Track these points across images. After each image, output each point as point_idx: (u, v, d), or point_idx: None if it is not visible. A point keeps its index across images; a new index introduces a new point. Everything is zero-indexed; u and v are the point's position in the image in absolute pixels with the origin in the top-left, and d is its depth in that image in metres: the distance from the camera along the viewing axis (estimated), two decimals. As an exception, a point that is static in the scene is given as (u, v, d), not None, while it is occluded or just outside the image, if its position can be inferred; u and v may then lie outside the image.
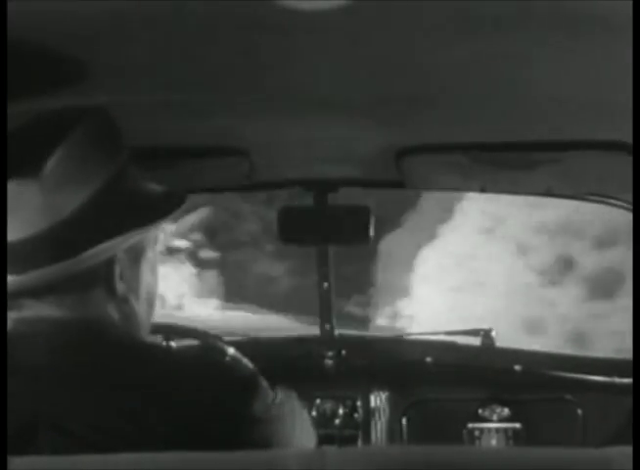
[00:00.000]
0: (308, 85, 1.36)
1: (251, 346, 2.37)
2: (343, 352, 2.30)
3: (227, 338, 2.24)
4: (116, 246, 1.18)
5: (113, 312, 1.22)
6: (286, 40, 1.14)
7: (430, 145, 1.76)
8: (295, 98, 1.44)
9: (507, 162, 1.79)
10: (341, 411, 2.25)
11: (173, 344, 1.98)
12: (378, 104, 1.47)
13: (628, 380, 2.19)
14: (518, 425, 2.23)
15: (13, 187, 1.14)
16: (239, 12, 1.03)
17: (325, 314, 2.36)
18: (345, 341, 2.36)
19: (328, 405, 2.25)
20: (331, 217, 2.24)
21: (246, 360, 1.83)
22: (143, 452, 0.91)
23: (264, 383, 1.21)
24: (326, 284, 2.36)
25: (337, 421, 2.25)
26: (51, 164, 1.15)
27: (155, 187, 1.27)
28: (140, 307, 1.26)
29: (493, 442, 2.24)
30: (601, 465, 0.84)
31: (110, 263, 1.19)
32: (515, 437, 2.23)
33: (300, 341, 2.42)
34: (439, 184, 2.04)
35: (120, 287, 1.21)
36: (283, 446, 1.18)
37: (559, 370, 2.30)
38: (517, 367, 2.27)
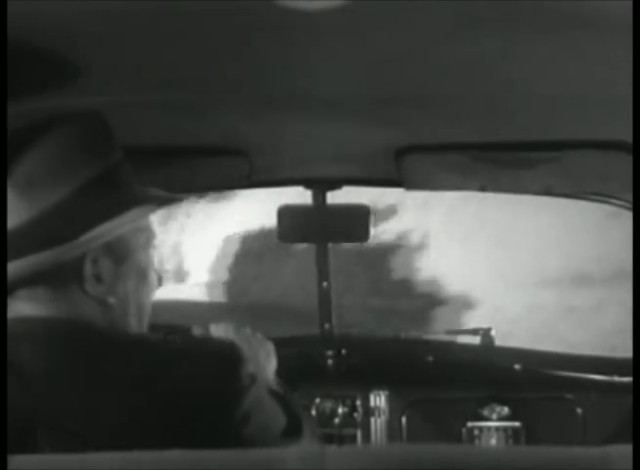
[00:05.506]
0: (308, 85, 1.36)
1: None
2: (343, 351, 2.30)
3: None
4: (93, 240, 1.19)
5: (91, 313, 1.22)
6: (286, 40, 1.14)
7: (430, 145, 1.76)
8: (294, 98, 1.44)
9: (507, 161, 1.79)
10: (340, 411, 2.25)
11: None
12: (377, 104, 1.47)
13: (628, 379, 2.19)
14: (517, 424, 2.23)
15: None
16: (239, 12, 1.03)
17: (325, 314, 2.36)
18: (345, 340, 2.35)
19: (328, 405, 2.25)
20: (330, 216, 2.24)
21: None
22: (142, 451, 0.91)
23: (244, 351, 1.21)
24: (325, 283, 2.35)
25: (336, 420, 2.25)
26: (23, 164, 1.18)
27: (144, 187, 1.28)
28: (126, 311, 1.26)
29: (493, 441, 2.24)
30: (601, 464, 0.84)
31: (78, 264, 1.20)
32: (514, 436, 2.23)
33: (300, 341, 2.42)
34: (439, 184, 2.04)
35: (96, 289, 1.21)
36: (269, 419, 1.21)
37: (559, 369, 2.30)
38: (516, 366, 2.27)
